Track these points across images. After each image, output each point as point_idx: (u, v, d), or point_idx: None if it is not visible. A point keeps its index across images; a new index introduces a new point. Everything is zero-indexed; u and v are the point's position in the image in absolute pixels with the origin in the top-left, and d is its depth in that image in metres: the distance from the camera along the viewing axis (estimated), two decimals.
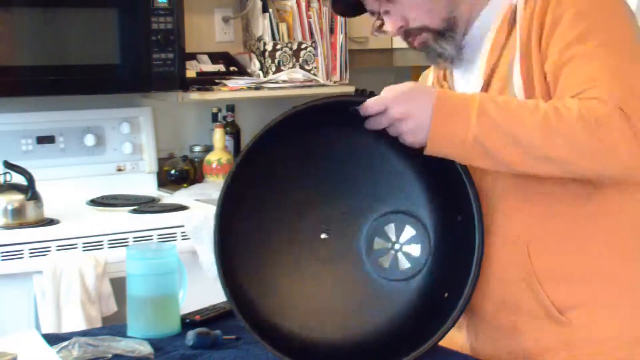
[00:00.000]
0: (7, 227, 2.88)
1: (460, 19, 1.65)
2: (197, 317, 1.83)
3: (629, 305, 1.62)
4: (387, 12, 1.67)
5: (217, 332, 1.71)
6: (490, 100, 1.50)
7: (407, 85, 1.54)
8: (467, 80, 1.70)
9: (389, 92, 1.53)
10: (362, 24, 3.81)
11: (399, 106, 1.51)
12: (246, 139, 3.79)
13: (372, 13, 1.72)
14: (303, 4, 3.68)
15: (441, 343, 1.63)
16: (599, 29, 1.52)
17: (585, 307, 1.60)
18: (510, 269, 1.62)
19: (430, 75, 1.83)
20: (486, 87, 1.63)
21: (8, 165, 2.95)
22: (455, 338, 1.72)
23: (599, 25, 1.52)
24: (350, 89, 3.79)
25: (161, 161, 3.59)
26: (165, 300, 1.78)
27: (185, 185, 3.52)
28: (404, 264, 1.64)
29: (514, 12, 1.60)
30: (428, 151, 1.51)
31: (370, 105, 1.53)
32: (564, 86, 1.52)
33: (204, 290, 2.10)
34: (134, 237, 2.97)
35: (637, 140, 1.44)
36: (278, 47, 3.62)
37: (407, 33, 1.67)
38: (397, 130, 1.52)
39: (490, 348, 1.67)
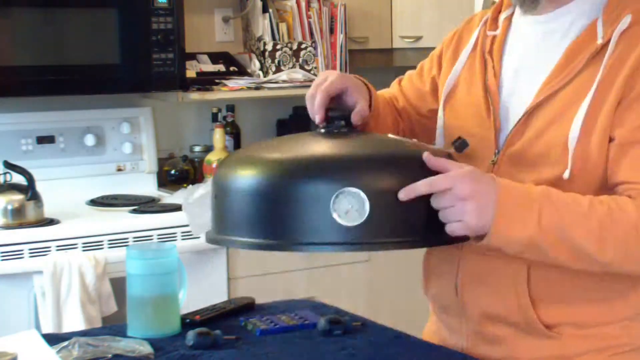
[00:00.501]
0: (7, 227, 2.88)
1: None
2: (197, 317, 1.83)
3: (621, 321, 1.59)
4: None
5: (217, 332, 1.71)
6: (549, 201, 1.44)
7: (469, 167, 1.45)
8: (526, 71, 1.62)
9: (455, 171, 1.43)
10: (363, 24, 3.82)
11: (467, 185, 1.41)
12: (246, 139, 3.79)
13: None
14: (303, 4, 3.68)
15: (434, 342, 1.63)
16: None
17: (576, 325, 1.58)
18: (505, 282, 1.59)
19: (475, 33, 1.73)
20: (538, 103, 1.55)
21: (8, 165, 2.95)
22: (450, 339, 1.72)
23: None
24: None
25: (161, 161, 3.59)
26: (165, 300, 1.78)
27: (185, 185, 3.52)
28: None
29: (603, 44, 1.52)
30: (484, 241, 1.44)
31: (438, 182, 1.41)
32: (629, 166, 1.48)
33: (204, 290, 2.10)
34: (134, 237, 2.97)
35: None
36: (278, 47, 3.62)
37: None
38: (458, 210, 1.41)
39: (483, 352, 1.66)
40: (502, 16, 1.68)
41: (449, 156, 1.50)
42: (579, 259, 1.46)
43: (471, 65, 1.69)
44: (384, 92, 1.92)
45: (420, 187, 1.40)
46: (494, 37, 1.68)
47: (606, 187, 1.52)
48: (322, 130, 1.58)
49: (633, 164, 1.47)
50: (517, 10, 1.65)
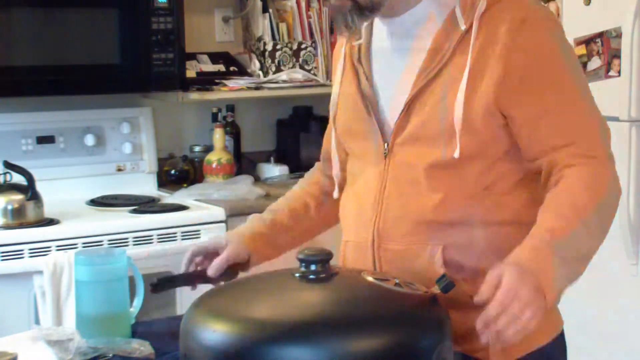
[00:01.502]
0: (7, 227, 2.88)
1: (389, 4, 1.63)
2: None
3: None
4: None
5: None
6: (561, 246, 1.50)
7: (512, 271, 1.44)
8: (385, 77, 1.69)
9: (507, 284, 1.43)
10: None
11: (528, 285, 1.43)
12: (246, 139, 3.79)
13: None
14: (303, 4, 3.68)
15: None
16: (560, 83, 1.59)
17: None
18: (423, 266, 1.61)
19: (342, 53, 1.79)
20: (416, 94, 1.62)
21: (8, 165, 2.95)
22: None
23: (559, 78, 1.59)
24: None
25: (161, 161, 3.59)
26: (112, 308, 1.73)
27: (185, 185, 3.52)
28: None
29: (466, 30, 1.59)
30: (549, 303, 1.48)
31: (505, 299, 1.42)
32: (546, 135, 1.58)
33: (204, 290, 2.08)
34: (134, 237, 2.98)
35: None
36: (278, 47, 3.62)
37: None
38: (531, 309, 1.43)
39: None
40: (363, 25, 1.70)
41: (434, 299, 1.47)
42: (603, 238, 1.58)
43: (346, 78, 1.76)
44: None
45: (492, 311, 1.40)
46: (360, 45, 1.74)
47: (493, 160, 1.60)
48: (297, 275, 1.48)
49: (550, 132, 1.58)
50: (376, 18, 1.70)
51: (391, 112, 1.66)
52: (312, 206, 1.92)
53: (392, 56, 1.68)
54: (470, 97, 1.57)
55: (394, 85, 1.67)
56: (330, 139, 1.86)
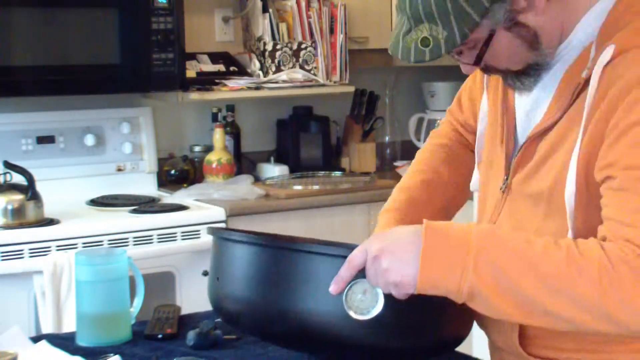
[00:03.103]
0: (7, 227, 2.88)
1: (543, 61, 1.47)
2: (169, 331, 1.78)
3: None
4: (461, 53, 1.48)
5: (217, 332, 1.71)
6: (491, 243, 1.34)
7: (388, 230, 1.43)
8: (527, 110, 1.54)
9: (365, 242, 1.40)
10: (363, 24, 3.81)
11: (375, 244, 1.37)
12: (246, 139, 3.79)
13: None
14: (303, 4, 3.68)
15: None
16: None
17: None
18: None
19: (484, 82, 1.66)
20: (539, 135, 1.48)
21: (8, 165, 2.95)
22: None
23: None
24: (350, 89, 3.79)
25: (161, 161, 3.59)
26: (113, 308, 1.73)
27: (185, 185, 3.52)
28: None
29: (585, 79, 1.40)
30: (418, 287, 1.36)
31: (354, 256, 1.39)
32: (607, 203, 1.35)
33: (205, 290, 2.08)
34: (134, 237, 2.98)
35: None
36: (278, 47, 3.62)
37: (484, 69, 1.51)
38: (378, 272, 1.36)
39: None
40: (532, 83, 1.54)
41: None
42: (532, 313, 1.33)
43: (494, 90, 1.63)
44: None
45: (342, 272, 1.38)
46: None
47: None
48: None
49: (613, 202, 1.35)
50: None
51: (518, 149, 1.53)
52: (444, 172, 1.76)
53: (535, 94, 1.53)
54: (584, 161, 1.38)
55: (529, 119, 1.53)
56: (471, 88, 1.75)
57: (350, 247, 1.42)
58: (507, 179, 1.54)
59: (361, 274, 1.39)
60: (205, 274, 1.54)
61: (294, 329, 1.43)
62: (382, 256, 1.36)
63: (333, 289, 1.39)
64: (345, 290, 1.39)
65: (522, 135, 1.54)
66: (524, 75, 1.48)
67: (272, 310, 1.44)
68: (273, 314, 1.43)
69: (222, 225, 3.13)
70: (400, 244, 1.36)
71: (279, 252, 1.45)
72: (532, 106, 1.53)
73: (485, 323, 1.60)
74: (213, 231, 1.58)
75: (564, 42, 1.46)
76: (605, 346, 1.45)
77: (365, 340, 1.41)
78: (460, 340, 1.55)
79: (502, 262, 1.32)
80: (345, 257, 1.40)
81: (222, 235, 1.55)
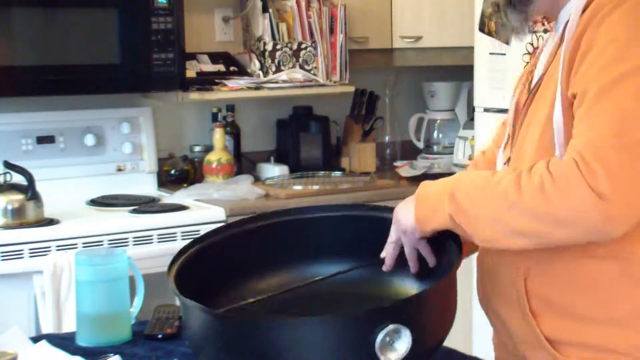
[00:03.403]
0: (7, 227, 2.88)
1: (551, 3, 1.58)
2: (168, 331, 1.78)
3: (636, 349, 1.50)
4: None
5: None
6: (461, 181, 1.54)
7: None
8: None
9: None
10: (363, 24, 3.81)
11: (397, 210, 1.65)
12: (246, 139, 3.79)
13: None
14: (303, 4, 3.68)
15: None
16: (620, 62, 1.40)
17: (584, 346, 1.51)
18: (509, 289, 1.58)
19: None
20: (532, 96, 1.58)
21: (8, 165, 2.95)
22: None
23: (622, 57, 1.41)
24: (350, 89, 3.79)
25: (161, 161, 3.59)
26: (114, 308, 1.73)
27: (185, 185, 3.52)
28: None
29: (564, 27, 1.52)
30: (420, 226, 1.60)
31: (392, 231, 1.68)
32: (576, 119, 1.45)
33: None
34: (134, 237, 2.98)
35: (600, 200, 1.35)
36: (278, 47, 3.62)
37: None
38: (395, 227, 1.66)
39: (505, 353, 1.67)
40: (518, 22, 1.64)
41: None
42: (503, 233, 1.47)
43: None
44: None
45: (388, 246, 1.68)
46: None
47: None
48: None
49: (579, 117, 1.44)
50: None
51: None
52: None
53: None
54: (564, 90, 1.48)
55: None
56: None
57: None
58: (509, 151, 1.65)
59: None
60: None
61: None
62: (400, 209, 1.64)
63: (387, 267, 1.69)
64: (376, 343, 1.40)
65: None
66: (514, 7, 1.58)
67: None
68: None
69: (221, 224, 3.12)
70: (407, 202, 1.63)
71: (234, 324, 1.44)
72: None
73: (490, 304, 1.63)
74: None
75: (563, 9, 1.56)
76: None
77: None
78: (440, 343, 1.56)
79: (471, 192, 1.50)
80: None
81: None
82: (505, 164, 1.66)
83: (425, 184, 1.61)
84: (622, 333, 1.49)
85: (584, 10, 1.48)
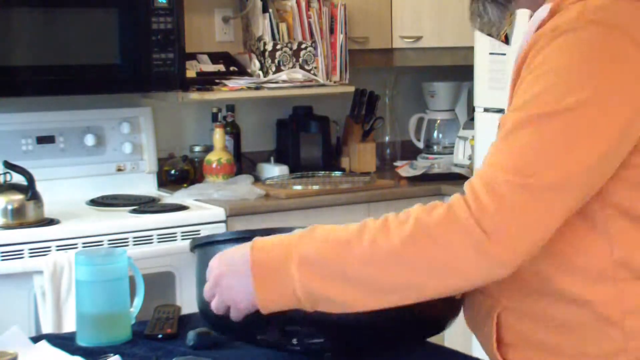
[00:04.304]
0: (7, 227, 2.88)
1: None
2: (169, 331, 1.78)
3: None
4: None
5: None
6: (307, 239, 1.36)
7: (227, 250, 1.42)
8: None
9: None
10: (363, 24, 3.81)
11: (215, 267, 1.41)
12: (246, 139, 3.79)
13: None
14: (303, 4, 3.68)
15: None
16: (545, 96, 1.30)
17: None
18: (485, 319, 1.50)
19: None
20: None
21: (8, 165, 2.95)
22: None
23: (549, 91, 1.30)
24: (350, 89, 3.79)
25: (161, 161, 3.59)
26: (113, 308, 1.72)
27: (185, 185, 3.52)
28: None
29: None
30: (263, 310, 1.37)
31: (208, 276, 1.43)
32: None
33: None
34: (134, 237, 2.98)
35: (485, 238, 1.26)
36: (278, 47, 3.62)
37: None
38: (222, 296, 1.39)
39: None
40: (496, 16, 1.57)
41: None
42: (369, 292, 1.32)
43: None
44: None
45: (205, 292, 1.43)
46: None
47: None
48: None
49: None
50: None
51: None
52: None
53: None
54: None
55: None
56: None
57: None
58: None
59: None
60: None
61: (280, 332, 1.42)
62: (221, 280, 1.38)
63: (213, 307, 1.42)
64: None
65: None
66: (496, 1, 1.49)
67: (257, 315, 1.41)
68: (259, 319, 1.41)
69: (222, 225, 3.13)
70: (236, 266, 1.37)
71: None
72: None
73: (472, 329, 1.59)
74: (194, 245, 1.58)
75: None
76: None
77: (362, 325, 1.38)
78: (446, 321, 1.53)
79: (322, 255, 1.32)
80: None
81: (200, 243, 1.55)
82: None
83: (257, 250, 1.37)
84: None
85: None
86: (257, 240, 1.38)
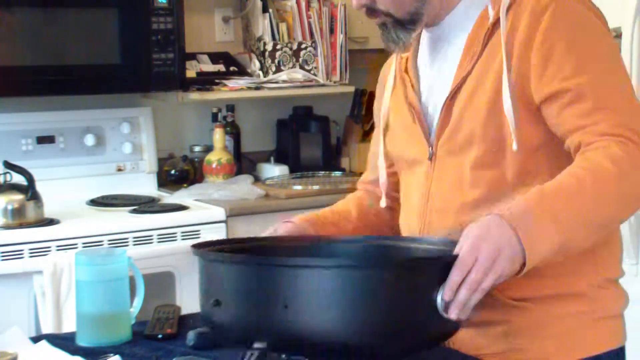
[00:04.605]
0: (7, 227, 2.88)
1: (428, 15, 1.66)
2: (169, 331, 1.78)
3: (588, 289, 1.64)
4: None
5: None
6: (550, 202, 1.47)
7: (470, 230, 1.45)
8: (431, 84, 1.71)
9: (465, 243, 1.43)
10: (363, 24, 3.81)
11: (486, 245, 1.41)
12: (246, 139, 3.79)
13: None
14: (303, 4, 3.68)
15: None
16: (591, 59, 1.55)
17: (542, 298, 1.62)
18: None
19: (392, 66, 1.84)
20: (452, 95, 1.64)
21: (8, 165, 2.95)
22: None
23: (589, 55, 1.55)
24: (350, 89, 3.79)
25: (161, 161, 3.59)
26: (114, 308, 1.72)
27: (185, 185, 3.52)
28: None
29: (493, 23, 1.60)
30: (525, 271, 1.45)
31: (464, 261, 1.41)
32: (565, 119, 1.54)
33: None
34: (134, 237, 2.98)
35: None
36: (278, 47, 3.62)
37: (369, 10, 1.68)
38: (497, 271, 1.41)
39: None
40: (410, 39, 1.73)
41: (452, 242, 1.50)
42: (604, 228, 1.53)
43: (396, 89, 1.80)
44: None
45: (454, 277, 1.40)
46: (407, 57, 1.79)
47: (530, 153, 1.58)
48: None
49: (570, 113, 1.54)
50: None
51: (437, 117, 1.68)
52: (353, 212, 1.90)
53: (435, 63, 1.71)
54: (505, 90, 1.57)
55: (438, 90, 1.69)
56: (378, 149, 1.88)
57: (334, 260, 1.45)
58: (431, 148, 1.67)
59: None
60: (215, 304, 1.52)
61: (284, 341, 1.43)
62: (500, 256, 1.41)
63: (448, 297, 1.40)
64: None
65: (435, 108, 1.69)
66: (402, 27, 1.66)
67: (261, 324, 1.42)
68: (262, 328, 1.42)
69: (222, 225, 3.13)
70: (503, 239, 1.42)
71: (263, 269, 1.44)
72: (435, 78, 1.70)
73: None
74: (198, 252, 1.57)
75: (453, 10, 1.66)
76: None
77: (361, 343, 1.40)
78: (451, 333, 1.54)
79: (567, 209, 1.46)
80: (327, 267, 1.40)
81: (208, 258, 1.55)
82: (430, 159, 1.68)
83: (512, 218, 1.44)
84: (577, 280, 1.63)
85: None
86: (501, 213, 1.45)
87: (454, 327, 1.50)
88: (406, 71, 1.77)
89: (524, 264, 1.43)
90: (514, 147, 1.56)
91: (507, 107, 1.55)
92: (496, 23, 1.59)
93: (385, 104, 1.81)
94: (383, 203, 1.84)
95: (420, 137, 1.70)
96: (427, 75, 1.73)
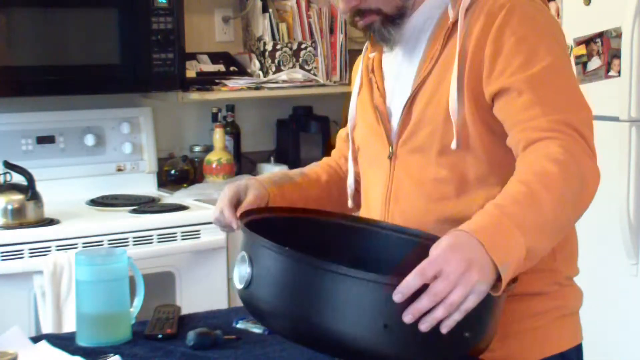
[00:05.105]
0: (7, 227, 2.88)
1: (410, 8, 1.69)
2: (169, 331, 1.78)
3: (550, 287, 1.67)
4: None
5: (218, 332, 1.71)
6: (509, 210, 1.43)
7: (441, 241, 1.38)
8: (394, 84, 1.73)
9: (433, 256, 1.36)
10: None
11: (456, 258, 1.34)
12: (246, 139, 3.79)
13: None
14: (303, 4, 3.68)
15: None
16: (539, 57, 1.56)
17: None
18: None
19: (360, 66, 1.85)
20: (413, 96, 1.66)
21: (8, 165, 2.95)
22: None
23: (537, 51, 1.56)
24: (350, 89, 3.79)
25: (161, 161, 3.59)
26: (114, 308, 1.73)
27: (185, 185, 3.52)
28: None
29: (453, 23, 1.62)
30: (501, 286, 1.38)
31: (427, 268, 1.33)
32: (508, 114, 1.56)
33: (204, 290, 2.08)
34: (134, 237, 2.98)
35: (593, 157, 1.53)
36: (278, 47, 3.62)
37: (358, 12, 1.69)
38: (466, 285, 1.33)
39: None
40: (399, 34, 1.73)
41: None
42: (565, 227, 1.50)
43: (363, 89, 1.82)
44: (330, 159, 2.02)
45: (411, 281, 1.32)
46: (374, 57, 1.80)
47: (485, 151, 1.60)
48: None
49: (510, 108, 1.56)
50: None
51: (399, 118, 1.70)
52: (323, 178, 1.93)
53: (399, 63, 1.73)
54: (459, 89, 1.59)
55: (401, 91, 1.70)
56: (342, 145, 1.91)
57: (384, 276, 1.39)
58: (392, 147, 1.70)
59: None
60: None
61: (322, 341, 1.42)
62: (471, 269, 1.33)
63: (398, 297, 1.33)
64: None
65: (397, 109, 1.70)
66: (391, 23, 1.66)
67: (302, 322, 1.40)
68: (302, 326, 1.41)
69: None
70: (474, 253, 1.36)
71: (313, 270, 1.40)
72: (397, 77, 1.72)
73: None
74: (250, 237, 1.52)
75: (419, 8, 1.68)
76: None
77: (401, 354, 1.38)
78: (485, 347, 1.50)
79: (524, 215, 1.42)
80: (376, 282, 1.35)
81: (261, 244, 1.48)
82: (390, 157, 1.70)
83: (480, 233, 1.38)
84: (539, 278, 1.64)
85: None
86: (468, 228, 1.40)
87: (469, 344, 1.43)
88: (373, 71, 1.78)
89: (498, 278, 1.36)
90: (453, 145, 1.58)
91: (452, 106, 1.58)
92: (456, 23, 1.62)
93: (353, 104, 1.83)
94: (350, 204, 1.86)
95: (382, 137, 1.72)
96: (392, 75, 1.75)
